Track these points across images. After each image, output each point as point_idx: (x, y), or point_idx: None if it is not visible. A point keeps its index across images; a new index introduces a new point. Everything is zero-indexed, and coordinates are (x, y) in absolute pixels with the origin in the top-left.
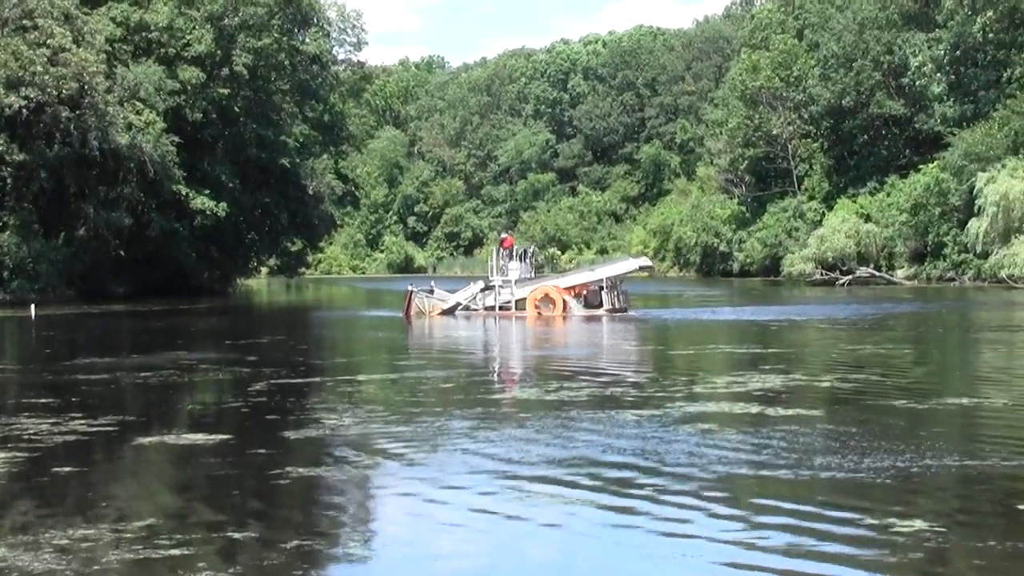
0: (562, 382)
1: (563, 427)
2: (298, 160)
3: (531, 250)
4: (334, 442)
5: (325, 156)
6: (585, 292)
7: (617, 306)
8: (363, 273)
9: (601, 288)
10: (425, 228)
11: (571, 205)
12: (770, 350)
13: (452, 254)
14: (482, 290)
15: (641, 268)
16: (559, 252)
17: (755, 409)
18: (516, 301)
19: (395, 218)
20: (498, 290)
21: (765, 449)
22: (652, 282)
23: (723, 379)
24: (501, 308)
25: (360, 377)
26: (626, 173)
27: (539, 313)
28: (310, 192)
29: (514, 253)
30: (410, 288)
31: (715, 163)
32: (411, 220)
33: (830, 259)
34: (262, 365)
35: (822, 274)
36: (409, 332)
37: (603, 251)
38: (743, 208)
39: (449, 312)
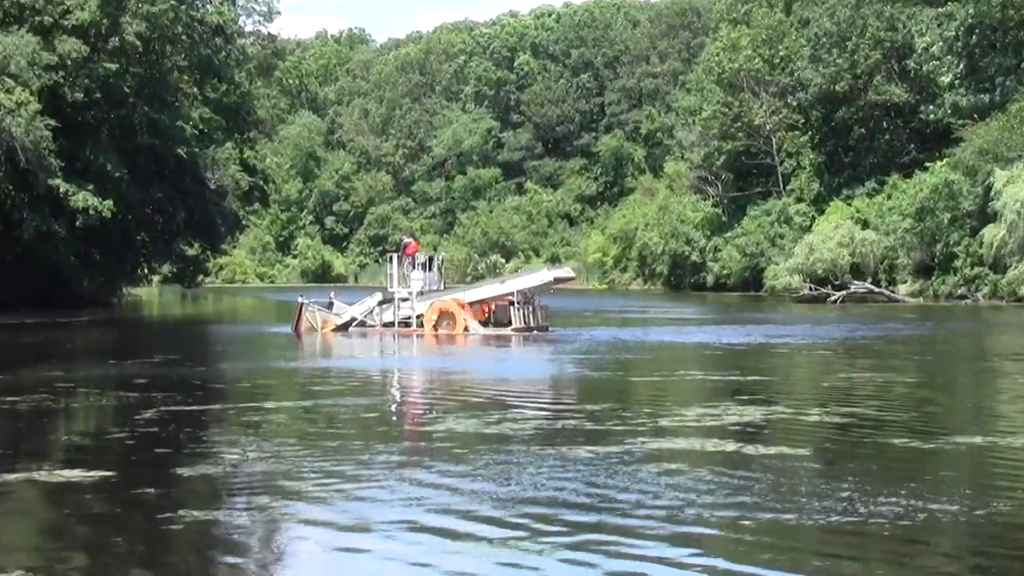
0: (504, 412)
1: (505, 465)
2: (197, 149)
3: (439, 258)
4: (236, 481)
5: (229, 144)
6: (493, 308)
7: (531, 324)
8: (272, 282)
9: (512, 303)
10: (346, 230)
11: (517, 205)
12: (749, 378)
13: (377, 260)
14: (380, 303)
15: (557, 280)
16: (503, 260)
17: (731, 446)
18: (418, 317)
19: (311, 218)
20: (398, 304)
21: (742, 493)
22: (611, 296)
23: (693, 411)
24: (402, 324)
25: (267, 404)
26: (582, 168)
27: (436, 331)
28: (211, 186)
29: (416, 261)
30: (300, 300)
31: (686, 158)
32: (329, 220)
33: (820, 272)
34: (152, 389)
35: (811, 289)
36: (300, 350)
37: (554, 259)
38: (719, 211)
39: (343, 328)
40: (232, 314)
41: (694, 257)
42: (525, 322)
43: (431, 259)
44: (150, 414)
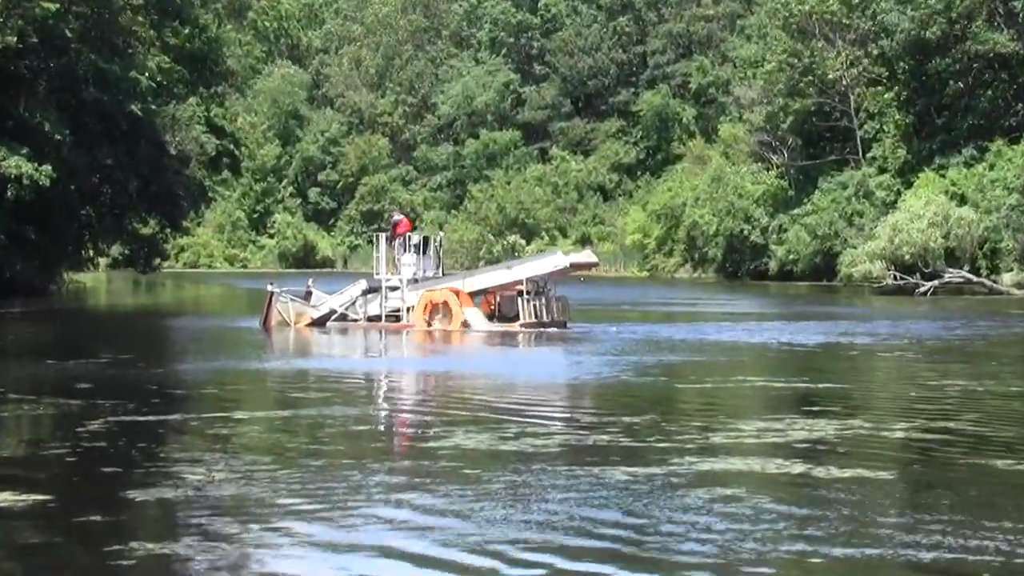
0: (523, 426)
1: (524, 490)
2: (154, 106)
3: (436, 239)
4: (199, 507)
5: (193, 101)
6: (498, 298)
7: (544, 318)
8: (245, 267)
9: (521, 292)
10: (333, 204)
11: (541, 175)
12: (820, 385)
13: (371, 241)
14: (364, 293)
15: (575, 266)
16: (523, 242)
17: (798, 467)
18: (409, 309)
19: (291, 190)
20: (385, 293)
21: (811, 524)
22: (654, 286)
23: (753, 425)
24: (390, 318)
25: (238, 414)
26: (619, 131)
27: (429, 326)
28: (171, 151)
29: (409, 242)
30: (270, 288)
31: (745, 119)
32: (313, 193)
33: (907, 258)
34: (98, 394)
35: (896, 278)
36: (269, 349)
37: (585, 240)
38: (784, 183)
39: (320, 323)
40: (195, 305)
41: (754, 239)
42: (537, 316)
43: (427, 240)
44: (96, 425)
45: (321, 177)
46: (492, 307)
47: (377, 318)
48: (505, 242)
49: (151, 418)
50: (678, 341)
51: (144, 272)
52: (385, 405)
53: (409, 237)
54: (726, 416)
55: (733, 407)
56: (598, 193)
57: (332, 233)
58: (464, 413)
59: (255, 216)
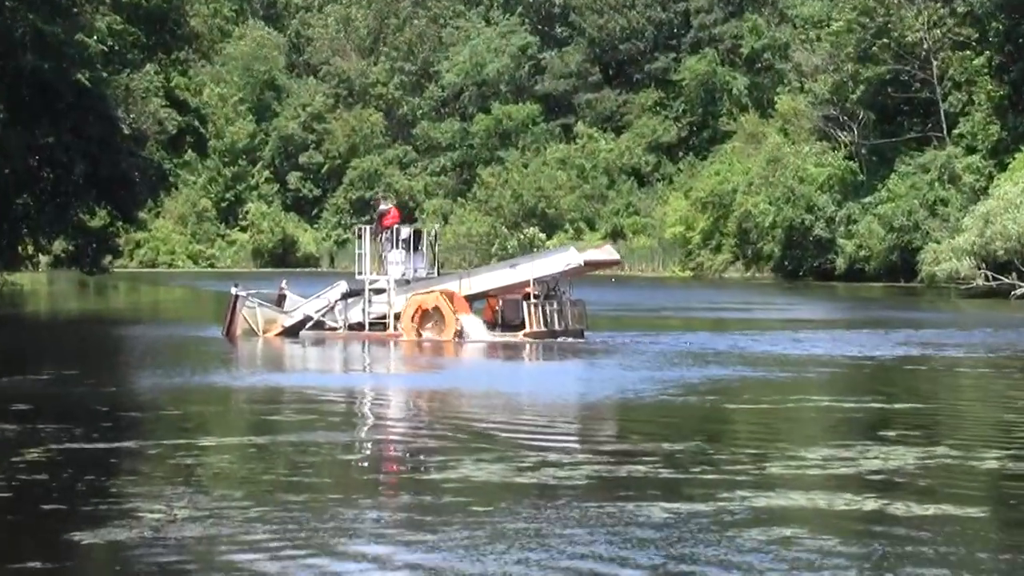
0: (543, 454)
1: (546, 529)
2: (104, 75)
3: (431, 233)
4: (158, 551)
5: (150, 69)
6: (501, 303)
7: (556, 326)
8: (212, 265)
9: (528, 296)
10: (317, 191)
11: (564, 156)
12: (897, 406)
13: (362, 235)
14: (344, 296)
15: (590, 264)
16: (542, 235)
17: (871, 504)
18: (396, 316)
19: (267, 174)
20: (369, 296)
21: (887, 570)
22: (699, 287)
23: (817, 453)
24: (376, 326)
25: (204, 440)
26: (657, 104)
27: (419, 335)
28: (124, 128)
29: (397, 236)
30: (235, 291)
31: (807, 89)
32: (294, 178)
33: (1001, 254)
34: (39, 417)
35: (988, 278)
36: (236, 362)
37: (617, 233)
38: (854, 166)
39: (293, 331)
40: (152, 311)
41: (818, 232)
42: (546, 323)
43: (418, 233)
44: (35, 454)
45: (303, 159)
46: (495, 313)
47: (360, 326)
48: (521, 236)
49: (101, 445)
50: (728, 353)
51: (92, 272)
52: (376, 429)
53: (398, 230)
54: (785, 442)
55: (794, 432)
56: (632, 178)
57: (315, 226)
58: (471, 439)
59: (224, 206)
